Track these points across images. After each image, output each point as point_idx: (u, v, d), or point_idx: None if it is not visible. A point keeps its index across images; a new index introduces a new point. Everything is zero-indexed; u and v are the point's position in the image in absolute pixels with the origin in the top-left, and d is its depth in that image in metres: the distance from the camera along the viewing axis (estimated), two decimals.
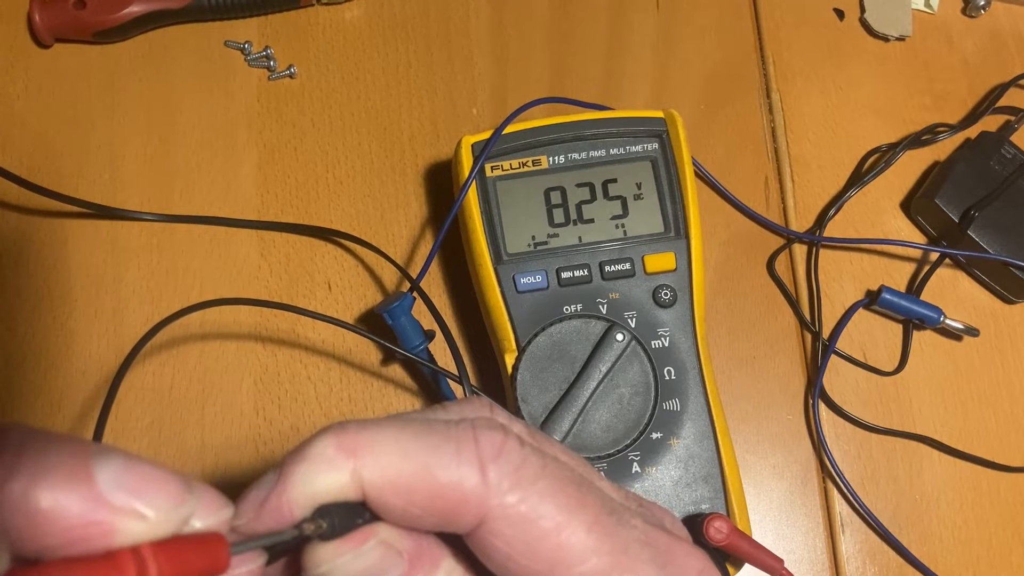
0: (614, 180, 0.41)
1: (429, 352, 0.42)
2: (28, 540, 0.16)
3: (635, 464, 0.38)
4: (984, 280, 0.47)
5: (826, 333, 0.46)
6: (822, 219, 0.48)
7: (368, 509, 0.20)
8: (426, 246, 0.46)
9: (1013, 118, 0.49)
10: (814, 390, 0.44)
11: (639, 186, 0.41)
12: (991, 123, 0.50)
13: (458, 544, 0.21)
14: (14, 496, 0.16)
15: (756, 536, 0.38)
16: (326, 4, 0.50)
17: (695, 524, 0.35)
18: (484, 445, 0.20)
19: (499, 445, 0.20)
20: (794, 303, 0.46)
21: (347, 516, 0.20)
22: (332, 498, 0.19)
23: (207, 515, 0.18)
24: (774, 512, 0.43)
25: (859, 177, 0.48)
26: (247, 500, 0.20)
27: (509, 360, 0.39)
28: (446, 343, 0.40)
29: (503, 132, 0.40)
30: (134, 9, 0.47)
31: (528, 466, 0.20)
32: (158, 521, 0.17)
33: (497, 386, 0.42)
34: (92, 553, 0.16)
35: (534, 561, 0.20)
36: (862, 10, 0.52)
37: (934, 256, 0.47)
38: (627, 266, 0.40)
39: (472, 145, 0.41)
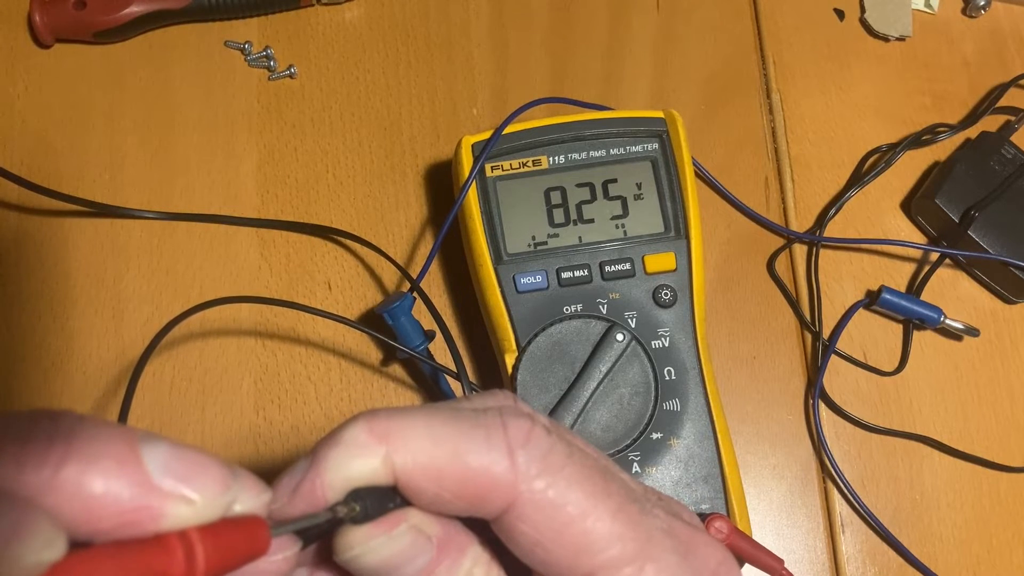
0: (614, 180, 0.41)
1: (429, 352, 0.42)
2: (81, 524, 0.16)
3: (635, 464, 0.38)
4: (984, 280, 0.47)
5: (826, 333, 0.46)
6: (822, 219, 0.48)
7: (399, 494, 0.20)
8: (426, 246, 0.46)
9: (1013, 118, 0.49)
10: (814, 390, 0.44)
11: (639, 186, 0.41)
12: (991, 123, 0.50)
13: (484, 532, 0.22)
14: (69, 482, 0.16)
15: (756, 536, 0.39)
16: (326, 4, 0.50)
17: None
18: (512, 432, 0.21)
19: (527, 432, 0.21)
20: (794, 303, 0.46)
21: (379, 501, 0.20)
22: (364, 482, 0.20)
23: (248, 499, 0.19)
24: (774, 512, 0.43)
25: (859, 177, 0.48)
26: (281, 485, 0.20)
27: (509, 360, 0.39)
28: (446, 343, 0.40)
29: (503, 132, 0.40)
30: (134, 9, 0.47)
31: (555, 453, 0.21)
32: (204, 506, 0.18)
33: (497, 386, 0.41)
34: (142, 536, 0.17)
35: (560, 546, 0.21)
36: (862, 10, 0.52)
37: (934, 256, 0.47)
38: (627, 266, 0.40)
39: (472, 145, 0.41)
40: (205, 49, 0.49)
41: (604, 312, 0.39)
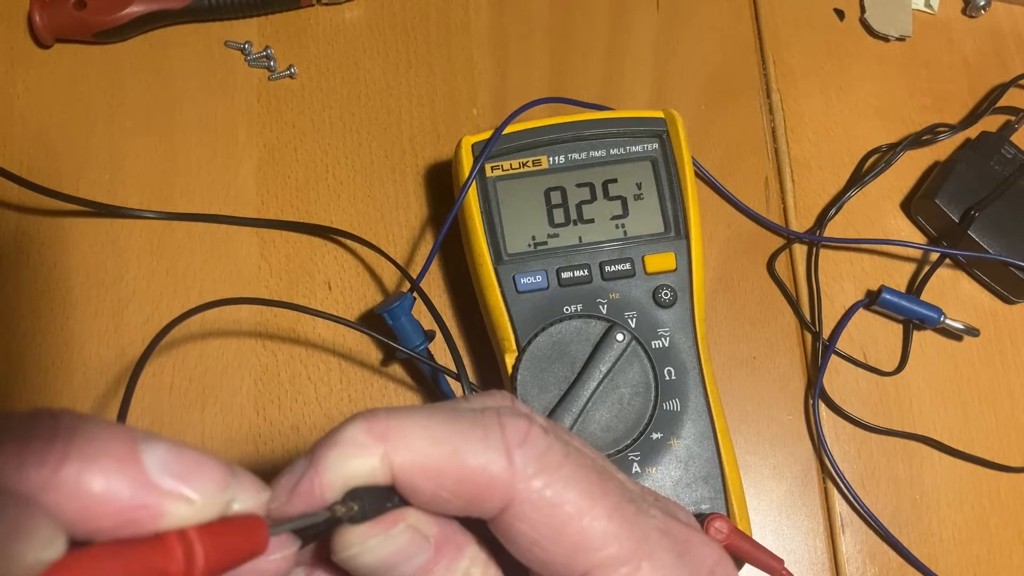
0: (614, 180, 0.41)
1: (429, 352, 0.42)
2: (81, 523, 0.16)
3: (635, 464, 0.38)
4: (984, 280, 0.47)
5: (826, 333, 0.46)
6: (822, 219, 0.48)
7: (397, 494, 0.21)
8: (426, 246, 0.46)
9: (1013, 118, 0.49)
10: (814, 390, 0.44)
11: (639, 186, 0.41)
12: (991, 123, 0.50)
13: (482, 533, 0.22)
14: (68, 481, 0.16)
15: (756, 536, 0.39)
16: (326, 4, 0.50)
17: None
18: (510, 431, 0.21)
19: (524, 432, 0.21)
20: (794, 303, 0.46)
21: (377, 500, 0.20)
22: (363, 482, 0.20)
23: (247, 498, 0.19)
24: (774, 512, 0.43)
25: (859, 177, 0.48)
26: (279, 484, 0.20)
27: (509, 360, 0.39)
28: (446, 343, 0.40)
29: (503, 132, 0.40)
30: (134, 9, 0.47)
31: (552, 452, 0.21)
32: (203, 505, 0.18)
33: (497, 386, 0.41)
34: (141, 535, 0.17)
35: (557, 545, 0.21)
36: (862, 10, 0.52)
37: (934, 256, 0.47)
38: (627, 266, 0.40)
39: (472, 145, 0.41)
40: (205, 49, 0.49)
41: (604, 312, 0.39)
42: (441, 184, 0.47)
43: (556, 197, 0.41)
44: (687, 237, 0.41)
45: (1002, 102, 0.49)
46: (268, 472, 0.21)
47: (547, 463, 0.21)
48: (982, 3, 0.52)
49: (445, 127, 0.48)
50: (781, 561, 0.37)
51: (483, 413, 0.21)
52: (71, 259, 0.45)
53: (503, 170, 0.41)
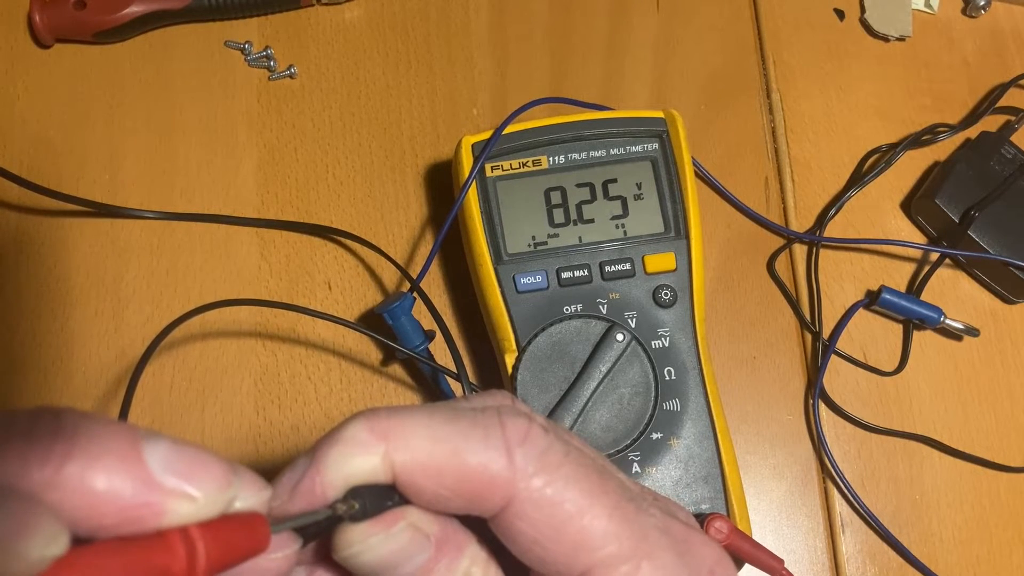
0: (614, 180, 0.41)
1: (429, 352, 0.42)
2: (84, 520, 0.16)
3: (635, 464, 0.38)
4: (984, 280, 0.47)
5: (826, 333, 0.46)
6: (822, 219, 0.48)
7: (398, 492, 0.21)
8: (426, 246, 0.46)
9: (1013, 118, 0.49)
10: (814, 390, 0.44)
11: (639, 186, 0.41)
12: (991, 123, 0.50)
13: (482, 532, 0.22)
14: (72, 478, 0.16)
15: (756, 536, 0.39)
16: (326, 4, 0.50)
17: None
18: (510, 430, 0.21)
19: (525, 431, 0.21)
20: (794, 303, 0.46)
21: (378, 499, 0.20)
22: (364, 480, 0.20)
23: (248, 496, 0.19)
24: (774, 512, 0.43)
25: (859, 177, 0.48)
26: (281, 483, 0.20)
27: (509, 360, 0.39)
28: (446, 343, 0.40)
29: (503, 132, 0.40)
30: (134, 9, 0.47)
31: (553, 451, 0.21)
32: (205, 503, 0.18)
33: (497, 386, 0.41)
34: (143, 533, 0.17)
35: (557, 544, 0.21)
36: (862, 10, 0.52)
37: (934, 256, 0.47)
38: (627, 266, 0.40)
39: (472, 145, 0.41)
40: (205, 49, 0.49)
41: (604, 312, 0.39)
42: (441, 184, 0.47)
43: (556, 197, 0.41)
44: (687, 237, 0.41)
45: (1002, 102, 0.49)
46: (268, 472, 0.21)
47: (547, 462, 0.21)
48: (982, 3, 0.52)
49: (445, 127, 0.48)
50: (781, 561, 0.37)
51: (484, 412, 0.21)
52: (71, 259, 0.45)
53: (503, 170, 0.41)
